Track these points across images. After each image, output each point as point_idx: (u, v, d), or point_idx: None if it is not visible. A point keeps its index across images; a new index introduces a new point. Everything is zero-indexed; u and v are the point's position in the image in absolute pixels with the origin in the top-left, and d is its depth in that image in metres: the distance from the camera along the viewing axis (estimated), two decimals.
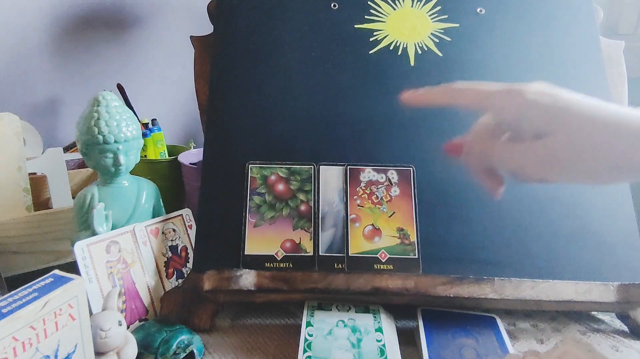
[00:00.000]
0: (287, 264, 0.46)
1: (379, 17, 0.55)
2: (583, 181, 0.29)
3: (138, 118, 0.54)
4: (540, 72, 0.53)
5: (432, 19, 0.55)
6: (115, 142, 0.48)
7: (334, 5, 0.55)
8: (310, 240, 0.47)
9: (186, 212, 0.54)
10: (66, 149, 0.76)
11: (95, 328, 0.35)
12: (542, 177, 0.30)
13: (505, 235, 0.47)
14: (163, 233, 0.51)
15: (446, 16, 0.55)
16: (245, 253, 0.46)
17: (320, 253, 0.46)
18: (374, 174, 0.49)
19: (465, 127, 0.50)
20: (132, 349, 0.38)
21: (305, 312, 0.44)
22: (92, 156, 0.49)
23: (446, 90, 0.34)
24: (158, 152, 0.75)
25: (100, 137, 0.47)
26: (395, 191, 0.49)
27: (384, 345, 0.41)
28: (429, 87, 0.34)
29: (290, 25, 0.54)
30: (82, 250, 0.44)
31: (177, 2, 0.91)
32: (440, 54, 0.53)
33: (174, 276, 0.50)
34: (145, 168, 0.67)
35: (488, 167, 0.33)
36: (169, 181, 0.70)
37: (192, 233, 0.53)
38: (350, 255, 0.46)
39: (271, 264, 0.46)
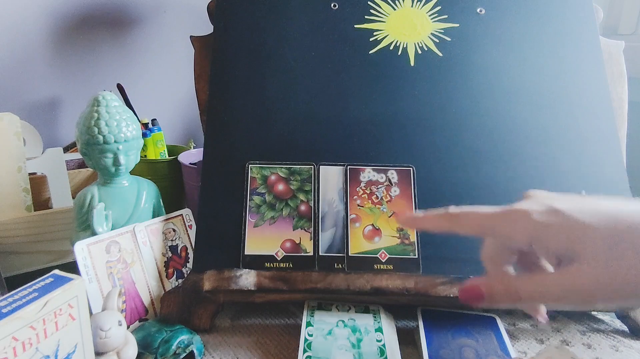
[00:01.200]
0: (287, 264, 0.46)
1: (379, 17, 0.55)
2: (628, 303, 0.27)
3: (138, 118, 0.54)
4: (540, 72, 0.53)
5: (432, 19, 0.55)
6: (115, 142, 0.48)
7: (334, 5, 0.55)
8: (310, 240, 0.47)
9: (186, 212, 0.54)
10: (66, 149, 0.76)
11: (95, 328, 0.35)
12: (581, 304, 0.27)
13: None
14: (163, 233, 0.51)
15: (446, 16, 0.55)
16: (245, 253, 0.46)
17: (320, 253, 0.46)
18: (374, 174, 0.49)
19: (467, 125, 0.51)
20: (132, 349, 0.38)
21: (305, 312, 0.44)
22: (92, 156, 0.49)
23: (444, 216, 0.31)
24: (158, 152, 0.75)
25: (100, 137, 0.47)
26: (395, 191, 0.49)
27: (384, 345, 0.41)
28: (426, 211, 0.32)
29: (290, 25, 0.54)
30: (82, 250, 0.44)
31: (177, 2, 0.91)
32: (440, 54, 0.53)
33: (174, 276, 0.50)
34: (145, 168, 0.67)
35: (521, 303, 0.29)
36: (169, 181, 0.70)
37: (192, 233, 0.53)
38: (350, 255, 0.46)
39: (271, 264, 0.46)
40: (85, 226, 0.49)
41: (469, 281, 0.30)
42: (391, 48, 0.54)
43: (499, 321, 0.45)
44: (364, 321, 0.44)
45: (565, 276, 0.26)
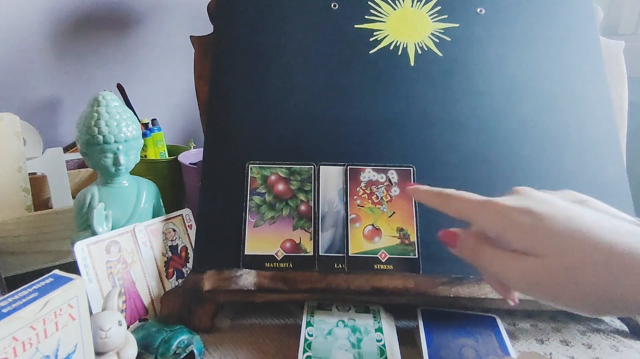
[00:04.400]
0: (287, 264, 0.46)
1: (379, 17, 0.55)
2: (570, 309, 0.28)
3: (138, 118, 0.54)
4: (540, 72, 0.53)
5: (432, 19, 0.55)
6: (115, 142, 0.48)
7: (334, 5, 0.55)
8: (310, 240, 0.47)
9: (186, 212, 0.54)
10: (66, 149, 0.76)
11: (95, 328, 0.35)
12: (527, 293, 0.29)
13: None
14: (163, 233, 0.51)
15: (446, 16, 0.55)
16: (245, 253, 0.46)
17: (320, 253, 0.46)
18: (374, 174, 0.49)
19: (467, 125, 0.51)
20: (132, 349, 0.38)
21: (305, 312, 0.44)
22: (92, 156, 0.49)
23: (440, 195, 0.34)
24: (158, 152, 0.75)
25: (100, 137, 0.47)
26: (395, 191, 0.49)
27: (384, 345, 0.41)
28: (431, 188, 0.36)
29: (290, 25, 0.54)
30: (82, 250, 0.44)
31: (177, 2, 0.91)
32: (440, 54, 0.53)
33: (174, 276, 0.50)
34: (145, 168, 0.67)
35: (479, 267, 0.32)
36: (169, 181, 0.70)
37: (192, 233, 0.53)
38: (350, 255, 0.46)
39: (271, 264, 0.46)
40: (85, 226, 0.49)
41: (453, 229, 0.35)
42: (391, 48, 0.54)
43: (499, 321, 0.45)
44: (364, 321, 0.44)
45: (520, 261, 0.28)
